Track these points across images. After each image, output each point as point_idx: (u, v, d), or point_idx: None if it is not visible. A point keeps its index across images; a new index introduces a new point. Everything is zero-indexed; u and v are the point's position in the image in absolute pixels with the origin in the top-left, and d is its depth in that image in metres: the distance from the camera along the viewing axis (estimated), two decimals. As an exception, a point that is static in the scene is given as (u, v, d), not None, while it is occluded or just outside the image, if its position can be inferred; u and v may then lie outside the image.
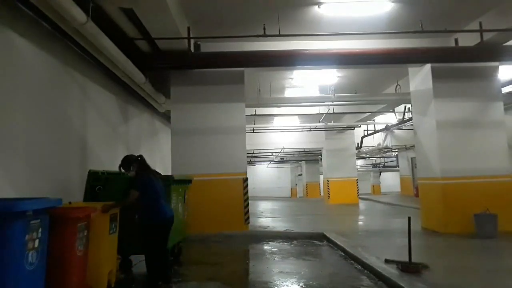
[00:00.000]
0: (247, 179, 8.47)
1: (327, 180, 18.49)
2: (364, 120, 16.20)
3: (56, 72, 5.71)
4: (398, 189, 28.63)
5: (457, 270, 5.16)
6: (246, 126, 9.15)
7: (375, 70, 10.33)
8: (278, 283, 4.89)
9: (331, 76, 10.99)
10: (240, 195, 8.30)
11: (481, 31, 7.27)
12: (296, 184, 33.71)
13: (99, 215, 4.10)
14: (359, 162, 28.87)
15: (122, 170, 4.63)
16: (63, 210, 3.55)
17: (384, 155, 27.48)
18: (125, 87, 8.50)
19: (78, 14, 4.79)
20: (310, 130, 17.15)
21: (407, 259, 5.06)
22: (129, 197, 4.38)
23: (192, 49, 7.70)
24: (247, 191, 8.41)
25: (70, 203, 4.16)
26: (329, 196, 18.21)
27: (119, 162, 4.67)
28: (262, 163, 30.33)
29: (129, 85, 8.11)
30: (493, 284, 4.66)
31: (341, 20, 7.44)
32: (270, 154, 23.88)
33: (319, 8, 6.91)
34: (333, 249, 6.98)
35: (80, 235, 3.71)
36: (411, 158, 23.86)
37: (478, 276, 4.88)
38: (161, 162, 12.13)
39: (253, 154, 23.31)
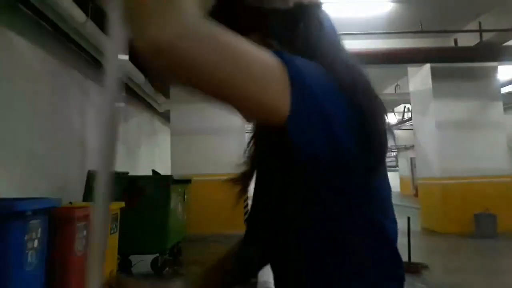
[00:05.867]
0: (247, 179, 8.44)
1: (327, 180, 18.45)
2: (364, 120, 16.15)
3: (56, 72, 5.71)
4: (397, 189, 28.60)
5: (457, 270, 5.16)
6: (246, 126, 9.13)
7: (374, 70, 10.30)
8: (278, 283, 4.88)
9: (331, 76, 10.97)
10: (240, 195, 8.28)
11: (480, 31, 7.27)
12: (296, 184, 33.65)
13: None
14: (359, 162, 28.77)
15: None
16: (62, 210, 3.54)
17: (383, 155, 27.45)
18: (124, 87, 8.50)
19: (78, 14, 4.79)
20: (310, 130, 17.09)
21: (406, 259, 5.05)
22: None
23: (192, 49, 7.69)
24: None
25: (70, 203, 4.15)
26: (329, 196, 18.17)
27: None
28: (262, 163, 30.23)
29: (129, 85, 8.11)
30: (493, 284, 4.66)
31: (341, 20, 7.40)
32: (270, 154, 23.85)
33: (319, 8, 6.90)
34: (333, 249, 6.97)
35: (79, 235, 3.71)
36: (411, 158, 23.85)
37: (478, 276, 4.88)
38: (161, 162, 12.13)
39: (253, 154, 23.25)
